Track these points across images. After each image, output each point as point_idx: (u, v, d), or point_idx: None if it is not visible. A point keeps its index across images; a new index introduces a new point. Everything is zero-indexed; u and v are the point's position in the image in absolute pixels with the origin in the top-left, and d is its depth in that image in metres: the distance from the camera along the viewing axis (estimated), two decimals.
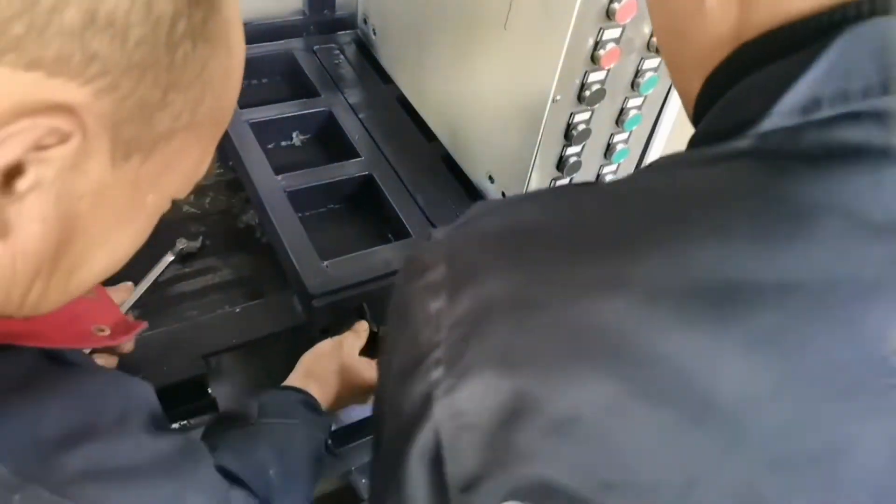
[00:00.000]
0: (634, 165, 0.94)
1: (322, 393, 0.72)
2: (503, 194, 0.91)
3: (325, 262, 0.85)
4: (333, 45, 1.23)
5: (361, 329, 0.83)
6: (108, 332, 0.42)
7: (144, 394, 0.42)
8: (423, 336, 0.44)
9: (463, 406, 0.41)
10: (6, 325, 0.35)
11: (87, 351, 0.66)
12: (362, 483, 1.40)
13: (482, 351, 0.41)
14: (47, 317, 0.38)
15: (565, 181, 0.89)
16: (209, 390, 0.78)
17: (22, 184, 0.30)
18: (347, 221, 1.00)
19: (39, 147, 0.29)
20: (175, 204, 0.40)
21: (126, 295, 0.68)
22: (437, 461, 0.43)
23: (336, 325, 0.87)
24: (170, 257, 0.88)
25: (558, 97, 0.77)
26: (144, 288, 0.86)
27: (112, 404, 0.38)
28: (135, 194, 0.35)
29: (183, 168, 0.38)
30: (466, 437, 0.42)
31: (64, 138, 0.30)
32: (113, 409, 0.38)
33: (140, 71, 0.31)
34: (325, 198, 1.00)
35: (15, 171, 0.29)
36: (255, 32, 1.18)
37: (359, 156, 1.02)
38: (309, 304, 0.82)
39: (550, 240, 0.45)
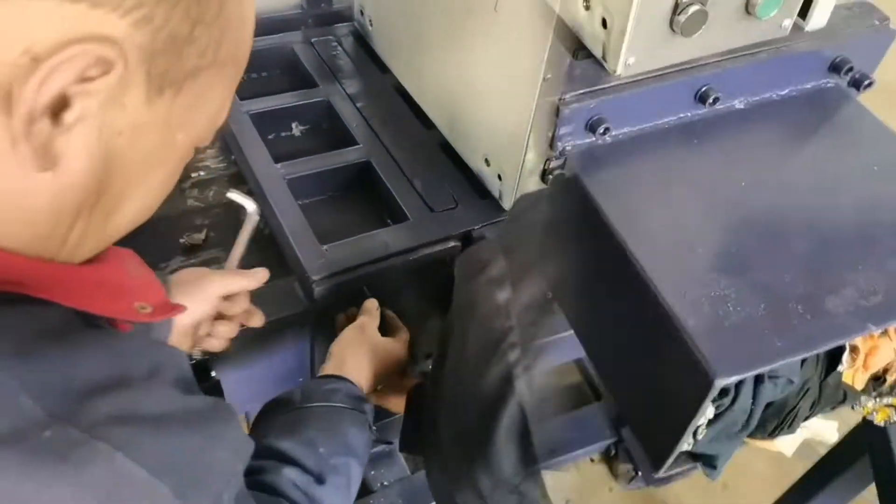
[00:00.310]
0: None
1: (359, 376, 0.75)
2: (499, 177, 0.92)
3: (325, 246, 0.86)
4: (331, 37, 1.24)
5: (372, 307, 0.84)
6: (149, 311, 0.43)
7: (177, 357, 0.43)
8: (494, 325, 0.48)
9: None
10: (58, 271, 0.37)
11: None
12: (370, 474, 1.41)
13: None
14: (93, 284, 0.40)
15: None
16: (213, 373, 0.80)
17: (69, 115, 0.32)
18: (346, 208, 1.02)
19: (84, 79, 0.32)
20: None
21: (258, 282, 0.74)
22: (524, 431, 0.48)
23: (336, 308, 0.89)
24: (256, 216, 0.80)
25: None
26: (242, 250, 0.82)
27: (144, 361, 0.39)
28: (166, 132, 0.38)
29: (208, 109, 0.40)
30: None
31: (107, 69, 0.32)
32: (145, 365, 0.39)
33: (171, 2, 0.33)
34: (325, 185, 1.01)
35: (61, 105, 0.32)
36: (255, 27, 1.19)
37: (357, 144, 1.03)
38: (310, 287, 0.83)
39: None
